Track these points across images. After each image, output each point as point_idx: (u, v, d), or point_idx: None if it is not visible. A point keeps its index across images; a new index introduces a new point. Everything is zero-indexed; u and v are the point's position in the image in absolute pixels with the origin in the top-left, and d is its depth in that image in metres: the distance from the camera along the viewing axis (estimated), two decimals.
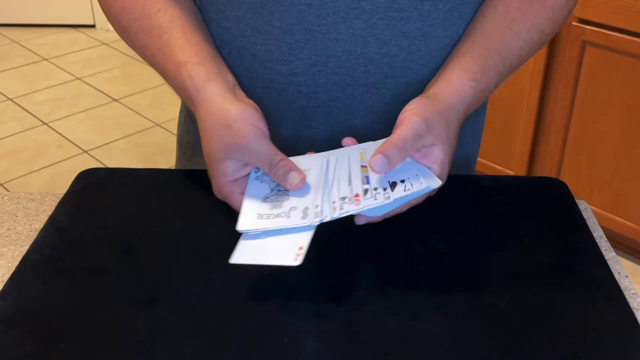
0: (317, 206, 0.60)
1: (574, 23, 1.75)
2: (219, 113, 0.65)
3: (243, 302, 0.58)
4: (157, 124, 2.79)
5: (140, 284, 0.60)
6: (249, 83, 0.73)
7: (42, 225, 0.69)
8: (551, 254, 0.65)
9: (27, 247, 0.66)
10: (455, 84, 0.68)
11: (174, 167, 0.90)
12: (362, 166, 0.64)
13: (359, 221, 0.62)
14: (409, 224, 0.67)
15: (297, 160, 0.65)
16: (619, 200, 1.86)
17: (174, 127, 2.66)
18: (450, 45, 0.72)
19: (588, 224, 0.70)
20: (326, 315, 0.57)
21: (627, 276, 0.64)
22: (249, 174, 0.66)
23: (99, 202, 0.72)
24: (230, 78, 0.69)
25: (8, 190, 2.35)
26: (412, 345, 0.54)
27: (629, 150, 1.78)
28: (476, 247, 0.65)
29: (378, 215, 0.62)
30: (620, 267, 0.65)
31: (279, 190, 0.63)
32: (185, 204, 0.71)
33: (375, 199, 0.60)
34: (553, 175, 1.88)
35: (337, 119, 0.74)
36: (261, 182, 0.65)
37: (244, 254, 0.59)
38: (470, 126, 0.82)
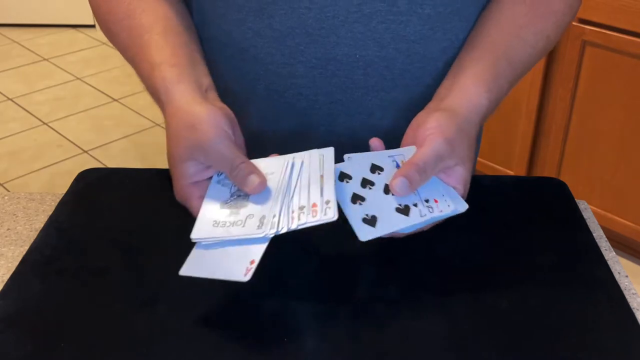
0: (274, 216, 0.58)
1: (574, 23, 1.75)
2: (184, 114, 0.63)
3: (243, 302, 0.58)
4: (157, 124, 2.79)
5: (140, 284, 0.60)
6: (250, 85, 0.73)
7: (42, 225, 0.69)
8: (551, 254, 0.65)
9: (27, 247, 0.66)
10: (472, 97, 0.66)
11: None
12: (320, 176, 0.61)
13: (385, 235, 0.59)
14: None
15: (261, 162, 0.63)
16: (619, 200, 1.86)
17: None
18: (450, 49, 0.72)
19: (588, 224, 0.70)
20: (326, 315, 0.57)
21: (627, 276, 0.64)
22: (210, 178, 0.64)
23: (99, 202, 0.72)
24: (205, 80, 0.68)
25: (8, 190, 2.35)
26: (412, 345, 0.54)
27: (629, 150, 1.78)
28: (476, 247, 0.65)
29: (408, 231, 0.60)
30: (620, 267, 0.65)
31: (239, 195, 0.61)
32: None
33: (410, 218, 0.58)
34: (553, 175, 1.88)
35: (337, 120, 0.74)
36: (222, 185, 0.63)
37: (194, 266, 0.57)
38: None
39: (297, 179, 0.61)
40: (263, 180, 0.60)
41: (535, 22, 0.71)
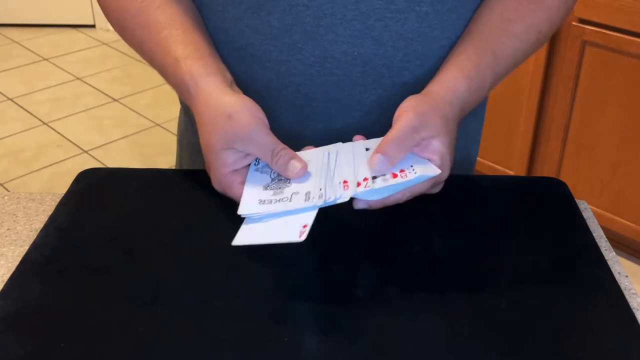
0: (320, 189, 0.61)
1: (574, 23, 1.75)
2: (219, 104, 0.65)
3: (243, 302, 0.58)
4: (157, 124, 2.79)
5: (141, 284, 0.60)
6: (248, 83, 0.73)
7: (42, 225, 0.69)
8: (551, 254, 0.65)
9: (27, 247, 0.66)
10: (448, 82, 0.68)
11: (174, 167, 0.90)
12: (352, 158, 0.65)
13: (357, 205, 0.62)
14: (409, 224, 0.67)
15: (299, 153, 0.66)
16: (619, 200, 1.86)
17: (174, 127, 2.66)
18: (448, 46, 0.72)
19: (588, 224, 0.70)
20: (326, 315, 0.57)
21: (627, 276, 0.64)
22: (248, 165, 0.66)
23: (99, 202, 0.72)
24: (228, 75, 0.70)
25: (8, 190, 2.35)
26: (412, 345, 0.54)
27: (629, 150, 1.78)
28: (476, 247, 0.65)
29: (375, 199, 0.62)
30: (620, 267, 0.65)
31: (280, 180, 0.64)
32: (185, 204, 0.71)
33: (374, 183, 0.61)
34: (553, 175, 1.88)
35: (334, 118, 0.74)
36: (261, 173, 0.65)
37: (246, 236, 0.59)
38: (469, 126, 0.82)
39: (336, 162, 0.64)
40: (304, 165, 0.63)
41: (526, 17, 0.72)
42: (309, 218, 0.59)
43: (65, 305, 0.58)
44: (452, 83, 0.68)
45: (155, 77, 3.06)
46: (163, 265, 0.63)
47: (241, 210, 0.61)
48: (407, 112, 0.63)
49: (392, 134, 0.62)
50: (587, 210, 0.74)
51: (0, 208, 0.74)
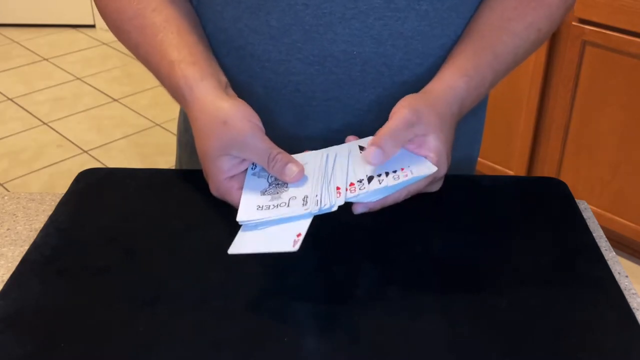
0: (316, 195, 0.60)
1: (574, 23, 1.75)
2: (214, 111, 0.65)
3: (243, 302, 0.58)
4: (157, 124, 2.79)
5: (141, 284, 0.60)
6: (247, 82, 0.73)
7: (42, 225, 0.69)
8: (551, 254, 0.65)
9: (27, 247, 0.66)
10: (446, 80, 0.68)
11: (174, 167, 0.90)
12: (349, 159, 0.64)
13: (357, 209, 0.62)
14: (409, 224, 0.67)
15: (296, 156, 0.66)
16: (619, 200, 1.86)
17: (174, 127, 2.66)
18: (448, 45, 0.72)
19: (588, 224, 0.70)
20: (326, 315, 0.57)
21: (627, 276, 0.64)
22: (245, 170, 0.66)
23: (99, 202, 0.72)
24: (223, 78, 0.70)
25: (8, 190, 2.35)
26: (412, 345, 0.54)
27: (629, 150, 1.78)
28: (476, 247, 0.65)
29: (373, 200, 0.62)
30: (620, 267, 0.65)
31: (278, 184, 0.63)
32: (185, 204, 0.71)
33: (370, 185, 0.60)
34: (553, 175, 1.88)
35: (334, 117, 0.74)
36: (258, 177, 0.65)
37: (242, 244, 0.59)
38: (470, 126, 0.82)
39: (333, 165, 0.64)
40: (301, 169, 0.63)
41: (526, 15, 0.72)
42: (303, 227, 0.58)
43: (65, 305, 0.58)
44: (450, 81, 0.68)
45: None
46: (163, 265, 0.63)
47: (240, 217, 0.61)
48: (402, 109, 0.63)
49: (386, 127, 0.62)
50: (587, 210, 0.74)
51: (0, 208, 0.74)
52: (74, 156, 2.56)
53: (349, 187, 0.61)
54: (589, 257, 0.65)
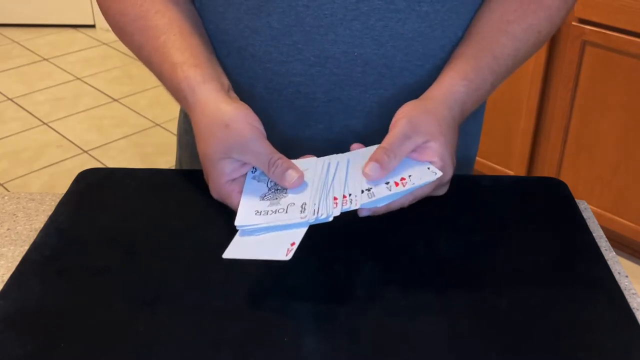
0: (314, 204, 0.61)
1: (574, 23, 1.75)
2: (216, 113, 0.65)
3: (243, 302, 0.58)
4: (157, 124, 2.79)
5: (141, 284, 0.60)
6: (248, 84, 0.73)
7: (42, 225, 0.69)
8: (551, 254, 0.65)
9: (27, 247, 0.66)
10: (446, 84, 0.68)
11: (174, 167, 0.90)
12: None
13: (362, 213, 0.62)
14: (409, 224, 0.67)
15: (296, 162, 0.66)
16: (619, 200, 1.86)
17: (174, 127, 2.66)
18: (448, 46, 0.72)
19: (588, 224, 0.70)
20: (326, 315, 0.57)
21: (627, 276, 0.64)
22: (246, 174, 0.66)
23: (99, 202, 0.72)
24: (225, 81, 0.69)
25: (8, 190, 2.35)
26: (412, 345, 0.54)
27: (629, 150, 1.78)
28: (476, 247, 0.65)
29: (378, 205, 0.62)
30: (620, 267, 0.65)
31: (277, 189, 0.63)
32: (185, 204, 0.71)
33: (374, 195, 0.61)
34: (553, 175, 1.88)
35: (335, 118, 0.74)
36: (258, 181, 0.65)
37: (236, 249, 0.59)
38: (468, 127, 0.82)
39: (334, 174, 0.64)
40: (301, 175, 0.63)
41: (525, 18, 0.72)
42: (298, 236, 0.58)
43: (65, 305, 0.58)
44: (449, 85, 0.68)
45: (155, 77, 3.06)
46: (163, 265, 0.63)
47: (238, 222, 0.61)
48: (400, 120, 0.64)
49: (385, 141, 0.63)
50: (587, 210, 0.74)
51: (0, 208, 0.74)
52: (74, 156, 2.56)
53: (344, 199, 0.61)
54: (589, 257, 0.65)
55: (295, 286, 0.60)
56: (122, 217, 0.69)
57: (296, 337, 0.55)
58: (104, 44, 3.52)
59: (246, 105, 0.66)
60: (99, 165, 2.47)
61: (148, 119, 2.83)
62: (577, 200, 0.74)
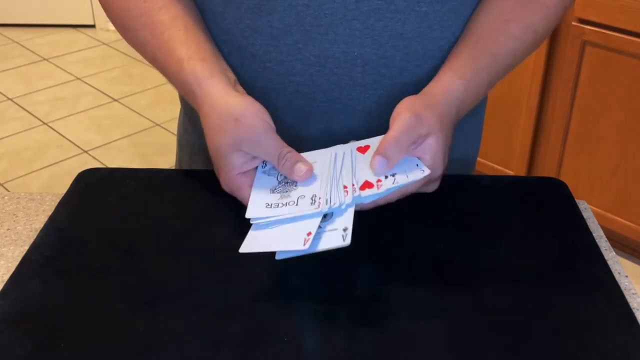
0: (326, 193, 0.61)
1: (574, 23, 1.75)
2: (225, 107, 0.65)
3: (243, 302, 0.58)
4: (157, 124, 2.79)
5: (141, 284, 0.60)
6: (248, 83, 0.73)
7: (42, 225, 0.69)
8: (551, 254, 0.65)
9: (27, 247, 0.66)
10: (444, 83, 0.69)
11: (174, 167, 0.90)
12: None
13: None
14: (409, 224, 0.67)
15: (304, 155, 0.66)
16: (619, 200, 1.86)
17: (174, 127, 2.66)
18: (447, 47, 0.72)
19: (588, 224, 0.70)
20: (326, 315, 0.57)
21: (627, 276, 0.64)
22: (256, 167, 0.66)
23: (99, 202, 0.72)
24: (232, 75, 0.70)
25: (8, 190, 2.35)
26: (412, 345, 0.54)
27: (629, 150, 1.78)
28: (476, 247, 0.65)
29: (367, 202, 0.62)
30: (620, 267, 0.65)
31: (287, 182, 0.64)
32: (185, 204, 0.71)
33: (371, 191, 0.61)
34: (553, 175, 1.88)
35: (335, 118, 0.74)
36: (268, 175, 0.65)
37: (252, 243, 0.60)
38: (469, 126, 0.82)
39: (342, 164, 0.64)
40: (310, 168, 0.64)
41: (523, 17, 0.72)
42: (313, 226, 0.59)
43: (65, 305, 0.58)
44: (447, 84, 0.68)
45: (155, 77, 3.06)
46: (163, 265, 0.63)
47: (249, 214, 0.62)
48: (403, 113, 0.64)
49: (390, 134, 0.63)
50: (587, 210, 0.74)
51: (0, 208, 0.74)
52: (74, 156, 2.56)
53: (353, 187, 0.61)
54: (589, 257, 0.65)
55: (295, 286, 0.60)
56: (122, 217, 0.69)
57: (296, 337, 0.55)
58: (104, 44, 3.52)
59: (254, 99, 0.67)
60: (99, 165, 2.47)
61: (148, 119, 2.83)
62: (577, 200, 0.74)
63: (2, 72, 3.19)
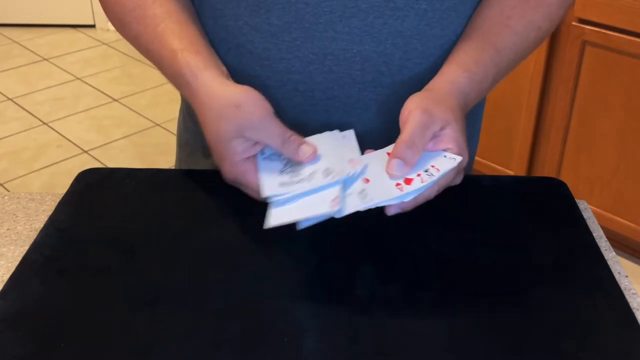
0: (337, 165, 0.62)
1: (574, 23, 1.75)
2: (224, 95, 0.65)
3: (243, 302, 0.58)
4: (157, 124, 2.79)
5: (141, 283, 0.60)
6: (247, 80, 0.73)
7: (42, 225, 0.69)
8: (551, 254, 0.65)
9: (27, 247, 0.66)
10: (448, 77, 0.69)
11: (174, 167, 0.90)
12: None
13: (390, 211, 0.62)
14: (410, 224, 0.67)
15: (308, 139, 0.67)
16: (619, 200, 1.86)
17: (174, 127, 2.65)
18: (447, 44, 0.72)
19: (588, 224, 0.70)
20: (326, 315, 0.57)
21: (627, 276, 0.64)
22: (256, 155, 0.66)
23: (99, 202, 0.72)
24: (224, 69, 0.70)
25: (8, 190, 2.35)
26: (412, 345, 0.54)
27: (629, 150, 1.78)
28: (476, 247, 0.65)
29: (405, 200, 0.61)
30: (620, 267, 0.65)
31: (292, 165, 0.65)
32: (185, 204, 0.71)
33: (412, 186, 0.61)
34: (553, 175, 1.88)
35: (333, 116, 0.74)
36: (271, 161, 0.66)
37: (278, 216, 0.60)
38: (468, 126, 0.82)
39: (345, 142, 0.66)
40: (315, 149, 0.65)
41: (525, 14, 0.72)
42: (336, 190, 0.60)
43: (65, 305, 0.58)
44: (452, 77, 0.68)
45: (155, 77, 3.06)
46: (163, 265, 0.63)
47: (266, 192, 0.62)
48: (413, 112, 0.63)
49: (404, 136, 0.62)
50: (587, 210, 0.74)
51: (0, 208, 0.74)
52: (74, 156, 2.56)
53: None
54: (589, 257, 0.65)
55: (295, 286, 0.60)
56: (122, 217, 0.69)
57: (296, 337, 0.55)
58: (104, 44, 3.52)
59: (252, 88, 0.67)
60: (99, 165, 2.47)
61: (148, 119, 2.83)
62: (577, 200, 0.74)
63: (2, 72, 3.19)
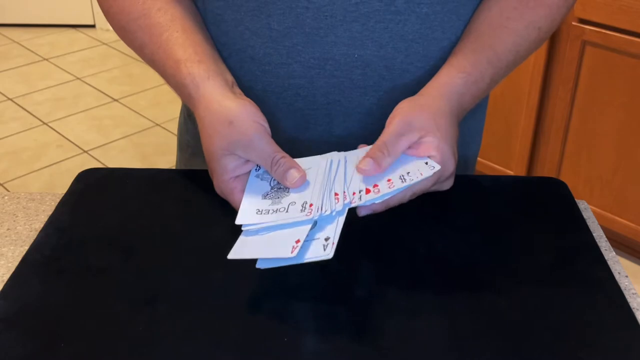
0: (317, 200, 0.61)
1: (574, 23, 1.75)
2: (220, 110, 0.65)
3: (243, 302, 0.58)
4: (157, 124, 2.79)
5: (140, 283, 0.60)
6: (248, 86, 0.73)
7: (42, 225, 0.69)
8: (551, 254, 0.65)
9: (27, 247, 0.66)
10: (442, 78, 0.69)
11: (174, 167, 0.90)
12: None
13: (361, 212, 0.62)
14: (409, 224, 0.67)
15: (299, 161, 0.66)
16: (619, 200, 1.86)
17: (174, 127, 2.66)
18: (448, 47, 0.72)
19: (588, 224, 0.70)
20: (326, 315, 0.57)
21: (627, 276, 0.64)
22: (249, 171, 0.66)
23: (99, 202, 0.72)
24: (230, 77, 0.70)
25: (8, 190, 2.35)
26: (412, 345, 0.54)
27: (629, 150, 1.78)
28: (476, 247, 0.65)
29: (377, 201, 0.62)
30: (620, 267, 0.65)
31: (279, 188, 0.64)
32: (185, 204, 0.71)
33: (374, 194, 0.61)
34: (553, 175, 1.88)
35: (335, 121, 0.74)
36: (261, 179, 0.65)
37: (241, 250, 0.59)
38: (469, 126, 0.82)
39: (336, 172, 0.64)
40: (303, 175, 0.63)
41: (525, 15, 0.72)
42: (302, 233, 0.58)
43: (65, 305, 0.58)
44: (446, 78, 0.68)
45: (155, 77, 3.06)
46: (163, 265, 0.63)
47: (239, 220, 0.62)
48: (393, 119, 0.64)
49: (380, 139, 0.63)
50: (587, 210, 0.74)
51: (0, 208, 0.74)
52: (74, 156, 2.56)
53: (344, 195, 0.61)
54: (589, 257, 0.65)
55: (295, 286, 0.60)
56: (122, 217, 0.69)
57: (296, 337, 0.55)
58: (104, 44, 3.52)
59: (251, 102, 0.66)
60: (99, 165, 2.47)
61: (148, 119, 2.83)
62: (577, 200, 0.74)
63: (2, 72, 3.19)
